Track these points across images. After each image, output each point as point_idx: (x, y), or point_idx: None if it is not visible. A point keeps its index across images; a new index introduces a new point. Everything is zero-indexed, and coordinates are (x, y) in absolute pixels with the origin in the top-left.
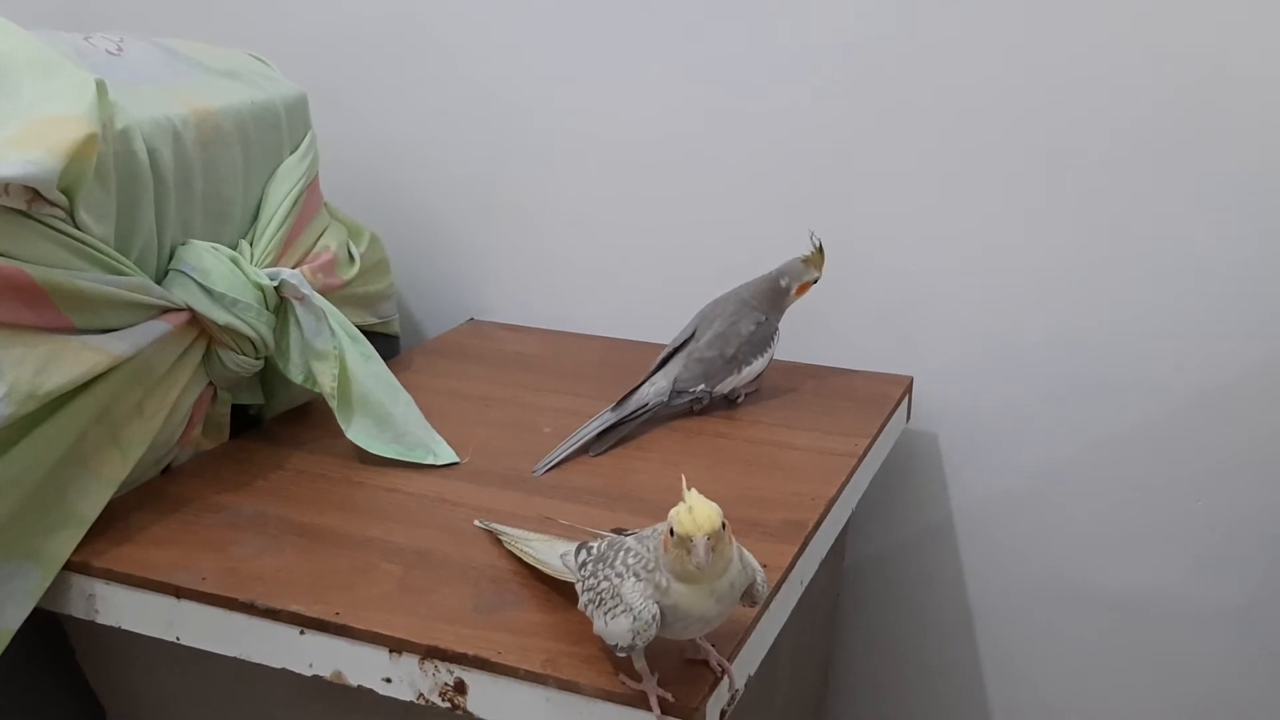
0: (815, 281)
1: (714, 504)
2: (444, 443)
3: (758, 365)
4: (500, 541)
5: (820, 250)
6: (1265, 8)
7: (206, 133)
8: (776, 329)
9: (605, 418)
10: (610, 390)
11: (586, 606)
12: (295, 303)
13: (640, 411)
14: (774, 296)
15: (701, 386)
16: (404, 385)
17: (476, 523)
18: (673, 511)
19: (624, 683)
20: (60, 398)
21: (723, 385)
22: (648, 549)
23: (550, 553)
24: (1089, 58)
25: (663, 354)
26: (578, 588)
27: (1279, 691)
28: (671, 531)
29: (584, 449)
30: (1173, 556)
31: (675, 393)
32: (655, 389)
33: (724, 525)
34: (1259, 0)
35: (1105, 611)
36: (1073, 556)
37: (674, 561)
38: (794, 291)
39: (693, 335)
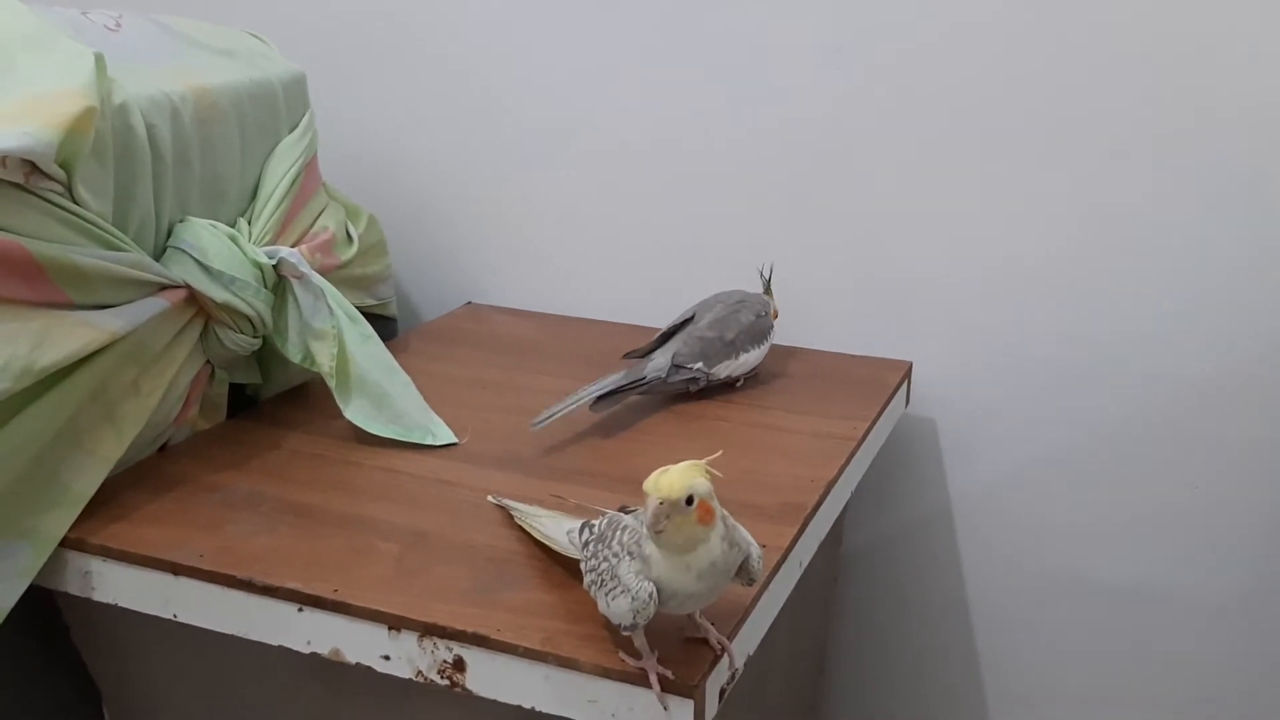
0: (776, 314)
1: (696, 479)
2: (442, 424)
3: (754, 355)
4: (506, 520)
5: (768, 288)
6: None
7: (204, 110)
8: (773, 325)
9: (609, 380)
10: (604, 373)
11: (590, 587)
12: (294, 281)
13: (639, 383)
14: (761, 301)
15: (699, 365)
16: (401, 367)
17: (490, 498)
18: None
19: (624, 660)
20: (55, 374)
21: (719, 369)
22: (641, 525)
23: (557, 529)
24: (1089, 50)
25: (660, 333)
26: (582, 567)
27: (1273, 683)
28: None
29: (576, 418)
30: (1169, 548)
31: (674, 368)
32: (654, 365)
33: (690, 501)
34: None
35: (1101, 601)
36: (1069, 546)
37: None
38: (770, 314)
39: (692, 318)
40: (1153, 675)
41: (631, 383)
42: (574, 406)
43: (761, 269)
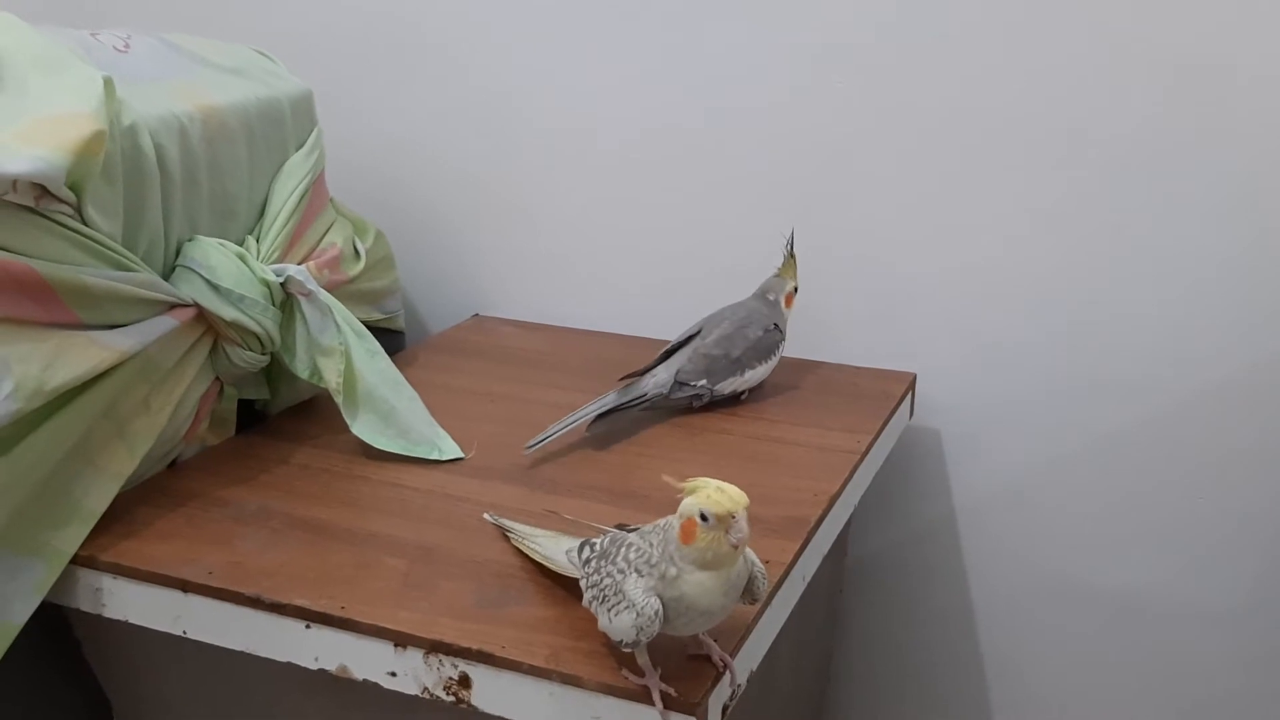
0: (795, 290)
1: None
2: (449, 438)
3: (760, 371)
4: (506, 537)
5: (792, 257)
6: (1264, 8)
7: (212, 129)
8: (782, 339)
9: (607, 400)
10: (612, 386)
11: (591, 603)
12: (301, 298)
13: (639, 400)
14: (771, 310)
15: (703, 382)
16: (409, 381)
17: (486, 516)
18: (694, 499)
19: (627, 678)
20: (67, 393)
21: (724, 385)
22: (650, 544)
23: (555, 549)
24: (1089, 57)
25: (666, 348)
26: (582, 584)
27: (1277, 690)
28: (703, 517)
29: (580, 433)
30: (1173, 555)
31: (677, 384)
32: (656, 381)
33: None
34: (1257, 1)
35: (1105, 609)
36: (1074, 554)
37: (708, 547)
38: (783, 304)
39: (698, 332)
40: (1160, 681)
41: (629, 400)
42: (569, 427)
43: (785, 234)
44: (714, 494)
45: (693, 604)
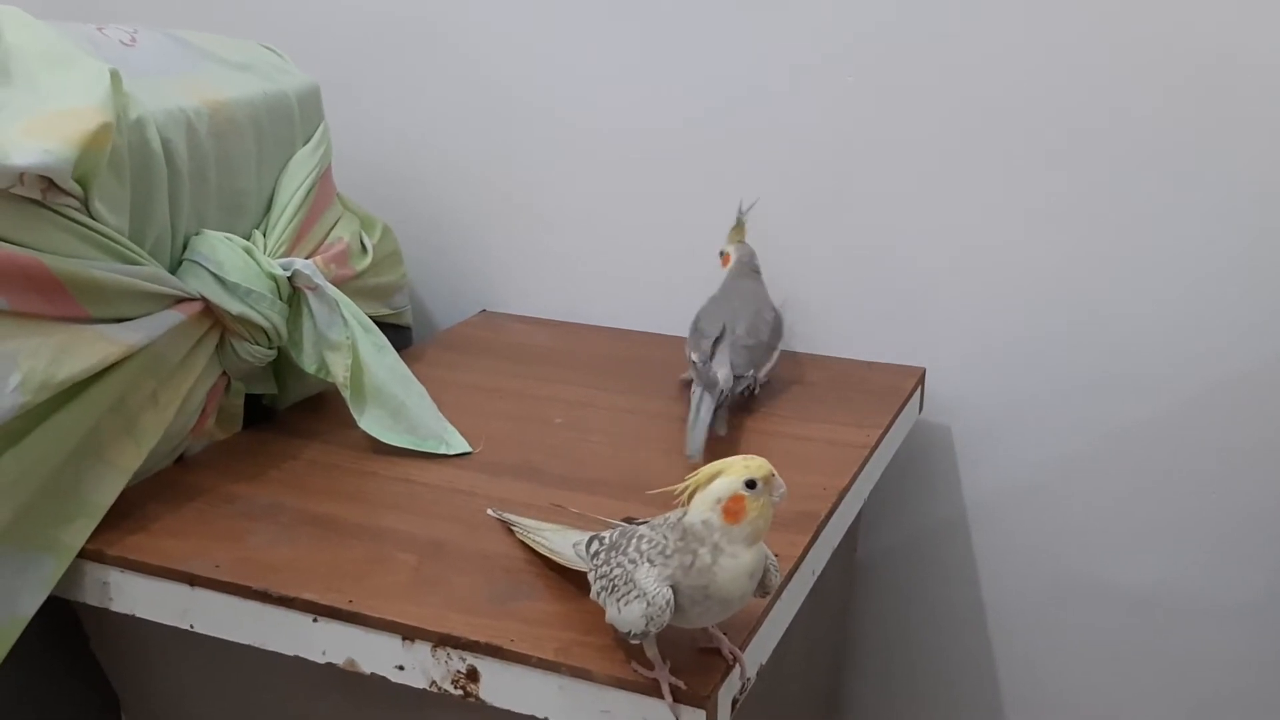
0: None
1: None
2: (457, 433)
3: (779, 351)
4: (512, 531)
5: (741, 223)
6: (1265, 7)
7: (219, 124)
8: (781, 314)
9: (708, 401)
10: (620, 382)
11: (599, 595)
12: (308, 293)
13: (722, 398)
14: (761, 285)
15: (751, 372)
16: (416, 376)
17: (489, 512)
18: (731, 477)
19: (636, 671)
20: (74, 387)
21: (762, 371)
22: (664, 536)
23: (562, 542)
24: (1096, 55)
25: (700, 355)
26: (590, 576)
27: None
28: (750, 484)
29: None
30: (1186, 551)
31: (736, 378)
32: (722, 378)
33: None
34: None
35: (1118, 605)
36: (1085, 550)
37: (759, 514)
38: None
39: (722, 331)
40: (1172, 679)
41: (719, 401)
42: (706, 430)
43: (741, 203)
44: (748, 464)
45: (719, 589)
